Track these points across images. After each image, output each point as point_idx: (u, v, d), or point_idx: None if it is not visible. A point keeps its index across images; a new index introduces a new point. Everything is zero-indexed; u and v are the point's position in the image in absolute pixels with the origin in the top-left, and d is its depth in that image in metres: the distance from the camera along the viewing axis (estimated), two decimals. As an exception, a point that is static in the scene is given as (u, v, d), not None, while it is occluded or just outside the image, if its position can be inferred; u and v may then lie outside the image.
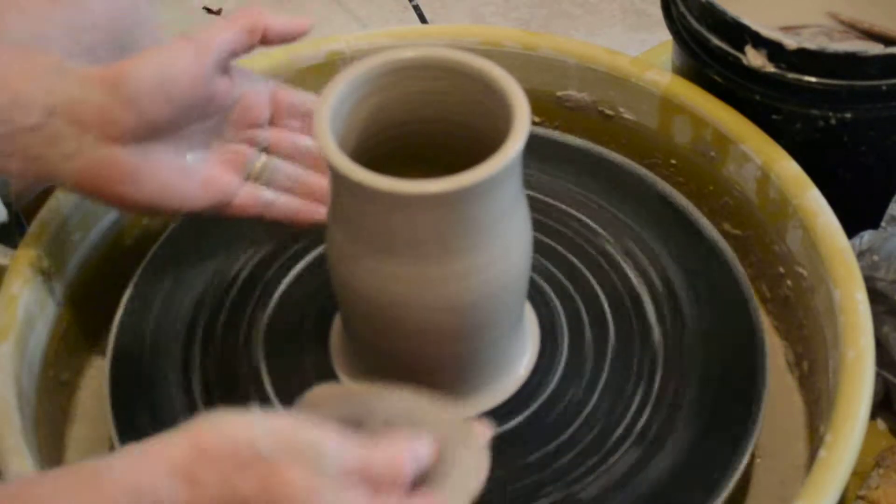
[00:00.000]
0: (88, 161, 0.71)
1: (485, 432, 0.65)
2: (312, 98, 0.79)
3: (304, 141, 0.79)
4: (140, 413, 0.76)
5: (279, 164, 0.78)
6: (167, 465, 0.56)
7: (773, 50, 0.83)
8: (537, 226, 0.73)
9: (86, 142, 0.70)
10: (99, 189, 0.72)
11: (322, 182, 0.78)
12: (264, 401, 0.76)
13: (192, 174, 0.75)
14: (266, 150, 0.78)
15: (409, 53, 0.70)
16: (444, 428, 0.63)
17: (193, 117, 0.73)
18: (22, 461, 0.70)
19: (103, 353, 0.81)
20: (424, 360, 0.72)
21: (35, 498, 0.56)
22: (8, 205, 0.92)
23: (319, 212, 0.78)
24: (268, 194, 0.78)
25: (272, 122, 0.79)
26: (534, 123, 0.86)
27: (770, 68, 0.83)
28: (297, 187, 0.79)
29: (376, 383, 0.68)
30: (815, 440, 0.77)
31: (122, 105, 0.70)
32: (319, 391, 0.67)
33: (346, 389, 0.66)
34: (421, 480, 0.61)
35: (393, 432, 0.61)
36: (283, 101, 0.79)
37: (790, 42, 0.82)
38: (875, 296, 0.81)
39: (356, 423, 0.62)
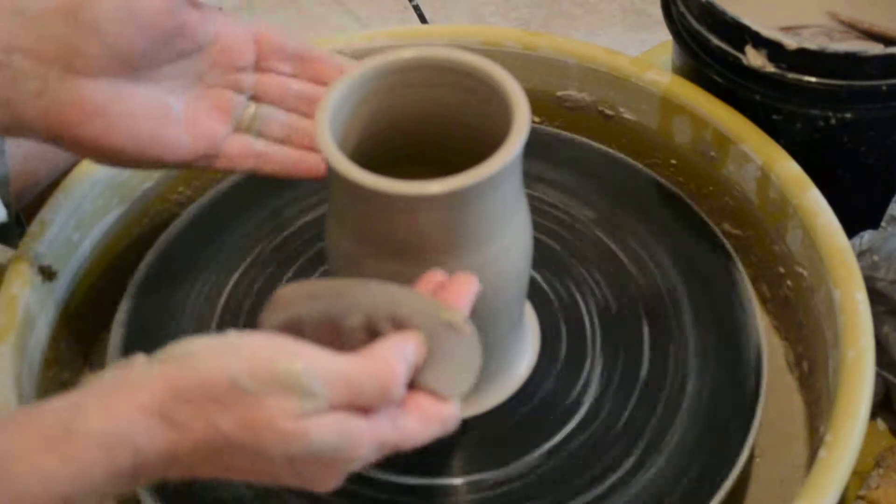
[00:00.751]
0: (55, 99, 0.67)
1: (468, 288, 0.62)
2: (301, 39, 0.74)
3: (296, 85, 0.74)
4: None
5: (271, 112, 0.73)
6: (142, 410, 0.54)
7: (774, 50, 0.83)
8: (537, 225, 0.73)
9: (51, 78, 0.66)
10: (69, 130, 0.68)
11: None
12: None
13: (172, 118, 0.70)
14: (254, 98, 0.73)
15: (409, 53, 0.70)
16: (429, 318, 0.60)
17: (165, 53, 0.69)
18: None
19: (103, 353, 0.81)
20: (424, 360, 0.72)
21: (2, 453, 0.53)
22: (8, 205, 0.92)
23: (319, 162, 0.73)
24: (260, 145, 0.73)
25: (258, 67, 0.74)
26: (534, 123, 0.86)
27: (770, 68, 0.83)
28: (294, 137, 0.74)
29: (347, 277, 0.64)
30: (814, 440, 0.77)
31: (83, 34, 0.66)
32: (289, 289, 0.62)
33: (317, 284, 0.61)
34: (412, 380, 0.59)
35: (377, 335, 0.58)
36: (269, 42, 0.73)
37: (790, 42, 0.82)
38: (875, 296, 0.81)
39: (333, 321, 0.59)
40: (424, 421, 0.59)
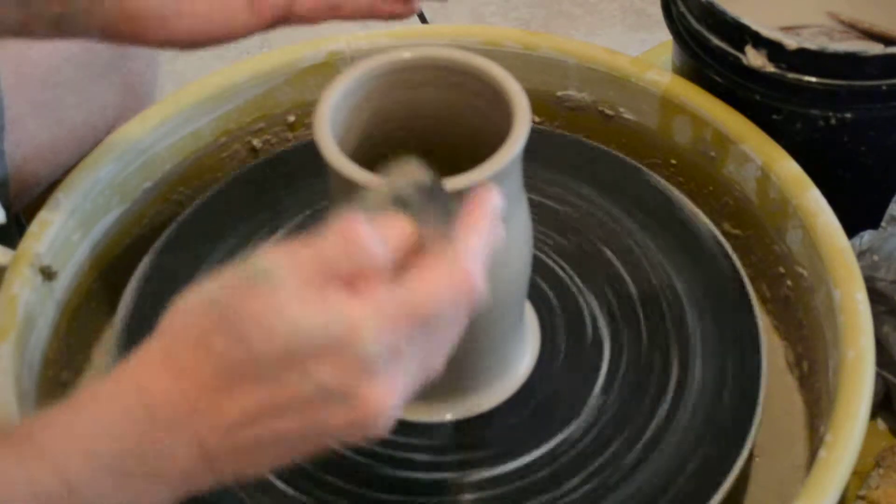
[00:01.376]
0: (108, 12, 0.66)
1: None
2: None
3: None
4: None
5: None
6: (148, 367, 0.53)
7: (774, 50, 0.83)
8: (537, 224, 0.73)
9: None
10: (133, 39, 0.67)
11: None
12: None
13: None
14: None
15: (409, 53, 0.70)
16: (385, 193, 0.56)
17: None
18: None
19: (103, 353, 0.81)
20: (424, 360, 0.72)
21: (22, 434, 0.53)
22: (7, 206, 0.92)
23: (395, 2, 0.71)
24: None
25: None
26: (534, 123, 0.86)
27: (770, 68, 0.83)
28: None
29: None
30: (814, 440, 0.77)
31: None
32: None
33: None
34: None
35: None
36: None
37: (790, 42, 0.82)
38: (875, 296, 0.81)
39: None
40: (423, 270, 0.53)
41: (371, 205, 0.55)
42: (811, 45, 0.82)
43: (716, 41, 0.86)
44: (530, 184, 0.72)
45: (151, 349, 0.54)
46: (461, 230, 0.54)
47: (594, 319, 0.80)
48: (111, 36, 0.68)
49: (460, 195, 0.57)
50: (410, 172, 0.56)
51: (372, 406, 0.51)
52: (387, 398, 0.51)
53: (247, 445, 0.52)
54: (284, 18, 0.70)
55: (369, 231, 0.52)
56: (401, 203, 0.55)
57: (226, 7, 0.68)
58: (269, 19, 0.69)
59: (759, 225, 0.86)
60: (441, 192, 0.56)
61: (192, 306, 0.53)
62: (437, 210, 0.55)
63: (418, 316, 0.52)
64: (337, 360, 0.50)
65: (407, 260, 0.54)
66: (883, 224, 0.86)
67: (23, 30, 0.67)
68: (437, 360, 0.54)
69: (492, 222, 0.55)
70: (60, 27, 0.67)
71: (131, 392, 0.53)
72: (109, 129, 0.89)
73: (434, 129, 0.72)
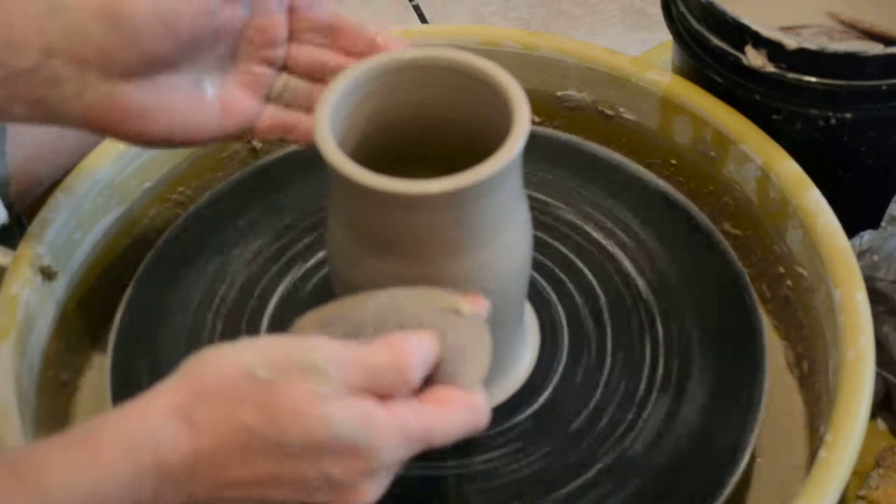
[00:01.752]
0: (93, 100, 0.67)
1: (480, 304, 0.64)
2: (335, 10, 0.74)
3: (327, 57, 0.73)
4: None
5: (300, 84, 0.73)
6: (163, 411, 0.54)
7: (774, 50, 0.83)
8: (537, 225, 0.73)
9: (88, 81, 0.66)
10: (109, 128, 0.68)
11: None
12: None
13: (208, 103, 0.70)
14: (285, 68, 0.73)
15: (409, 53, 0.70)
16: (431, 312, 0.61)
17: (201, 48, 0.69)
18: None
19: (103, 353, 0.81)
20: (424, 360, 0.72)
21: (32, 466, 0.55)
22: (9, 206, 0.92)
23: None
24: (291, 116, 0.73)
25: (291, 38, 0.73)
26: (534, 123, 0.86)
27: (770, 68, 0.84)
28: None
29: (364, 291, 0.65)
30: (815, 440, 0.77)
31: (121, 41, 0.65)
32: (303, 322, 0.64)
33: (325, 311, 0.63)
34: (428, 380, 0.60)
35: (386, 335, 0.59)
36: (303, 14, 0.73)
37: (790, 42, 0.82)
38: (875, 296, 0.81)
39: (352, 341, 0.59)
40: (446, 406, 0.59)
41: (408, 314, 0.61)
42: (811, 45, 0.82)
43: (716, 41, 0.86)
44: (530, 184, 0.72)
45: (173, 400, 0.55)
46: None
47: (594, 320, 0.80)
48: (92, 124, 0.68)
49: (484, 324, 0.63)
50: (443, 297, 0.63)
51: (358, 498, 0.57)
52: (372, 494, 0.57)
53: (234, 498, 0.56)
54: (245, 134, 0.72)
55: (418, 358, 0.58)
56: (437, 322, 0.61)
57: (201, 112, 0.70)
58: (232, 133, 0.72)
59: (759, 225, 0.86)
60: (472, 318, 0.62)
61: (227, 370, 0.55)
62: (466, 334, 0.61)
63: (431, 442, 0.58)
64: (351, 462, 0.56)
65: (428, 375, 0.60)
66: (883, 224, 0.86)
67: (2, 112, 0.67)
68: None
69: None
70: (44, 110, 0.67)
71: (146, 448, 0.55)
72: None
73: (434, 129, 0.72)
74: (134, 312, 0.81)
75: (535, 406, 0.75)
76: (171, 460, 0.55)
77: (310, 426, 0.54)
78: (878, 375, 0.83)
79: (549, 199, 0.87)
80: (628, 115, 0.92)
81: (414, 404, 0.58)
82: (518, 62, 0.91)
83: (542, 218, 0.84)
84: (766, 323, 0.85)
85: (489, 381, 0.75)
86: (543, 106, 0.94)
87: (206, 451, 0.55)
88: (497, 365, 0.75)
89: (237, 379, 0.55)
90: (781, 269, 0.85)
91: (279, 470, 0.55)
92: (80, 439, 0.55)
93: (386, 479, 0.58)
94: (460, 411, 0.59)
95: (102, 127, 0.68)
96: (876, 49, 0.82)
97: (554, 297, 0.81)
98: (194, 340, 0.80)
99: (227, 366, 0.55)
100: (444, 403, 0.59)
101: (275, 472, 0.55)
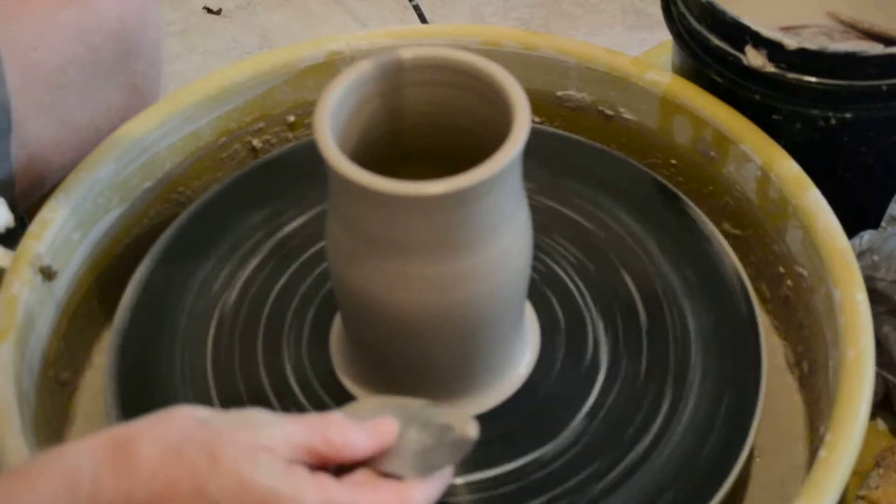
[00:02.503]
0: None
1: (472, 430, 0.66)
2: None
3: None
4: (140, 413, 0.76)
5: None
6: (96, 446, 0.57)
7: (774, 50, 0.83)
8: (537, 225, 0.73)
9: None
10: None
11: None
12: (263, 401, 0.76)
13: None
14: None
15: (409, 53, 0.70)
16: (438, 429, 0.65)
17: None
18: (22, 461, 0.70)
19: (103, 353, 0.81)
20: (425, 359, 0.72)
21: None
22: (12, 207, 0.92)
23: None
24: None
25: None
26: (534, 123, 0.86)
27: (770, 68, 0.83)
28: None
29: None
30: (814, 440, 0.77)
31: None
32: (362, 403, 0.68)
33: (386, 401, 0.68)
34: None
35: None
36: None
37: (790, 42, 0.82)
38: (875, 296, 0.81)
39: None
40: (381, 492, 0.61)
41: (373, 407, 0.66)
42: (811, 45, 0.82)
43: (716, 41, 0.86)
44: (530, 184, 0.72)
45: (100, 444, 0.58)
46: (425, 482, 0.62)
47: (594, 320, 0.80)
48: None
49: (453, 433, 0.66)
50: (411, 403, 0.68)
51: None
52: None
53: None
54: None
55: (361, 438, 0.61)
56: (403, 415, 0.65)
57: None
58: None
59: (759, 225, 0.86)
60: (441, 429, 0.65)
61: (184, 417, 0.59)
62: (427, 438, 0.65)
63: None
64: None
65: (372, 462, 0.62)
66: (883, 224, 0.86)
67: None
68: None
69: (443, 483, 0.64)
70: None
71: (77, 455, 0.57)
72: (114, 130, 0.89)
73: (434, 129, 0.72)
74: (134, 312, 0.81)
75: (534, 406, 0.75)
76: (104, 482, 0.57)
77: (240, 473, 0.56)
78: (878, 375, 0.83)
79: (549, 200, 0.87)
80: (628, 115, 0.92)
81: (346, 483, 0.60)
82: (518, 62, 0.91)
83: (542, 218, 0.84)
84: (766, 323, 0.85)
85: (489, 381, 0.75)
86: (543, 106, 0.94)
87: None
88: (497, 365, 0.75)
89: (188, 424, 0.58)
90: (781, 269, 0.85)
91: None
92: (25, 466, 0.57)
93: None
94: (390, 500, 0.60)
95: None
96: (876, 49, 0.82)
97: (554, 298, 0.81)
98: (194, 340, 0.80)
99: (184, 414, 0.59)
100: (375, 485, 0.61)
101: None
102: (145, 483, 0.56)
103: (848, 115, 0.84)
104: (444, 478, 0.64)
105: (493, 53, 0.91)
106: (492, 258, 0.68)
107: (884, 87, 0.82)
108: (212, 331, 0.80)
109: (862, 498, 0.82)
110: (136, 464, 0.56)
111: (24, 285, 0.78)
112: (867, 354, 0.73)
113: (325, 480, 0.59)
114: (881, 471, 0.82)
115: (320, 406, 0.75)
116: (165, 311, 0.81)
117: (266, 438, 0.58)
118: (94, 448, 0.57)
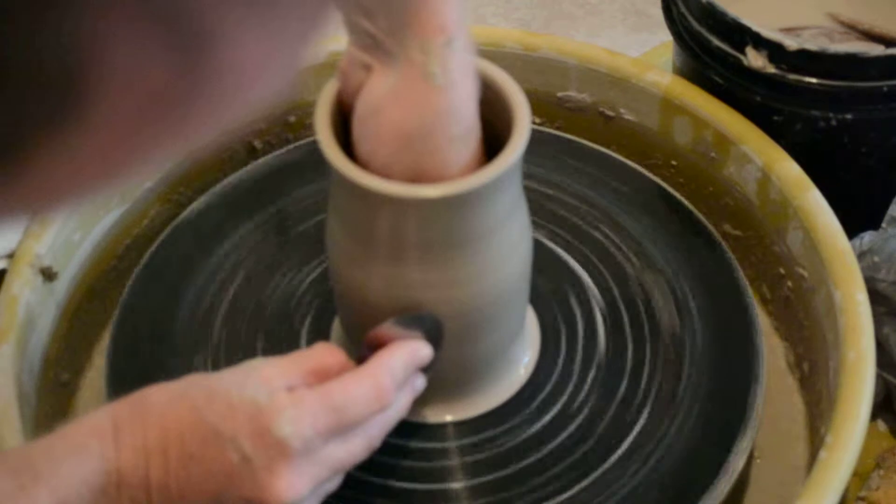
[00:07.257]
0: None
1: None
2: None
3: None
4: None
5: None
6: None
7: (774, 51, 0.83)
8: (537, 227, 0.73)
9: None
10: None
11: None
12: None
13: None
14: None
15: (409, 54, 0.69)
16: None
17: None
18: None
19: (103, 353, 0.81)
20: (425, 360, 0.72)
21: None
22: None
23: None
24: None
25: None
26: (534, 124, 0.86)
27: (771, 69, 0.83)
28: None
29: None
30: (815, 441, 0.77)
31: None
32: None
33: None
34: None
35: None
36: None
37: (791, 43, 0.82)
38: (875, 297, 0.81)
39: None
40: (351, 381, 0.62)
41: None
42: (812, 46, 0.82)
43: (716, 42, 0.86)
44: (530, 185, 0.72)
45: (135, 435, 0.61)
46: (382, 353, 0.64)
47: (594, 321, 0.80)
48: None
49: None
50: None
51: (274, 494, 0.59)
52: (290, 491, 0.59)
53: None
54: None
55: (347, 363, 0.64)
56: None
57: None
58: None
59: (759, 226, 0.86)
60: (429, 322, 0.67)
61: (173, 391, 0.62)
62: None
63: (332, 412, 0.60)
64: (259, 439, 0.59)
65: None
66: (883, 225, 0.86)
67: None
68: (346, 467, 0.63)
69: (412, 351, 0.65)
70: None
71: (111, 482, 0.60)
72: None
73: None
74: (134, 312, 0.81)
75: (535, 408, 0.75)
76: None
77: (231, 398, 0.60)
78: (879, 377, 0.83)
79: (549, 201, 0.87)
80: (629, 116, 0.92)
81: (321, 386, 0.62)
82: (519, 63, 0.91)
83: (542, 220, 0.84)
84: (766, 324, 0.85)
85: (489, 383, 0.75)
86: (543, 107, 0.94)
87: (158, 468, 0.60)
88: (497, 367, 0.75)
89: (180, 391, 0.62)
90: (782, 270, 0.85)
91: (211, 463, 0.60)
92: (55, 432, 0.61)
93: (304, 473, 0.60)
94: (362, 384, 0.62)
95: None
96: (876, 50, 0.82)
97: (553, 300, 0.81)
98: (193, 340, 0.80)
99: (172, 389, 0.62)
100: (345, 378, 0.62)
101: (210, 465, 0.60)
102: (156, 422, 0.60)
103: (848, 117, 0.84)
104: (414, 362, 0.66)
105: (493, 54, 0.91)
106: (493, 262, 0.68)
107: (884, 89, 0.82)
108: (211, 331, 0.80)
109: (862, 499, 0.81)
110: (149, 409, 0.61)
111: (24, 286, 0.78)
112: (868, 356, 0.73)
113: (301, 390, 0.62)
114: (881, 472, 0.82)
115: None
116: (165, 311, 0.81)
117: (259, 371, 0.62)
118: (115, 405, 0.62)
